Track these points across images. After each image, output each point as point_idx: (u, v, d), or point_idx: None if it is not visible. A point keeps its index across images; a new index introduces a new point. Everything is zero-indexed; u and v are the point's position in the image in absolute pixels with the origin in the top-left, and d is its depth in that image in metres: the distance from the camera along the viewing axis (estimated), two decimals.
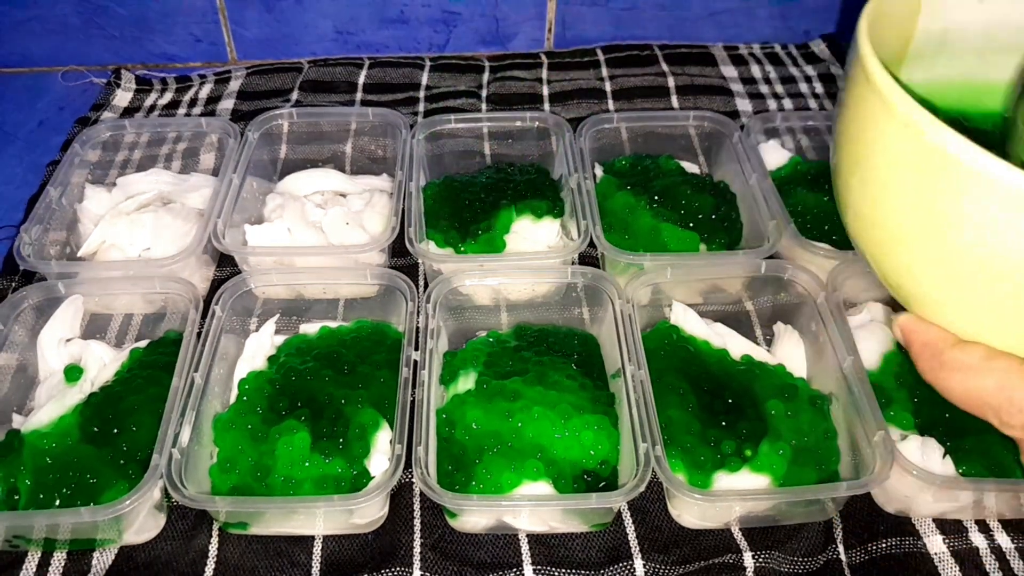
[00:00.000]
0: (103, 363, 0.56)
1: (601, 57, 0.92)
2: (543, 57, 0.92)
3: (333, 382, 0.53)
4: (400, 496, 0.52)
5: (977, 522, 0.51)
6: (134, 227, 0.63)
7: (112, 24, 0.88)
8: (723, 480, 0.48)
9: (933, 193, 0.26)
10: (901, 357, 0.54)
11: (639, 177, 0.68)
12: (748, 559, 0.48)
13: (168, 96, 0.87)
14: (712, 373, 0.54)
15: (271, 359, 0.56)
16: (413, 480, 0.52)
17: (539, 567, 0.48)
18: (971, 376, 0.28)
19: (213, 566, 0.49)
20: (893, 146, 0.27)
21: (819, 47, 0.93)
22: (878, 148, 0.28)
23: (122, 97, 0.87)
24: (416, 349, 0.53)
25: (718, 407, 0.52)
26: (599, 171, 0.70)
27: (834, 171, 0.33)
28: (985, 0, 0.36)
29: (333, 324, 0.58)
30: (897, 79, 0.28)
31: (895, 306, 0.59)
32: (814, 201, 0.65)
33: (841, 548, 0.49)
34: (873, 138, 0.28)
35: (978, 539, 0.50)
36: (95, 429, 0.50)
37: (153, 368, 0.54)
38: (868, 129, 0.29)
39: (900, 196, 0.28)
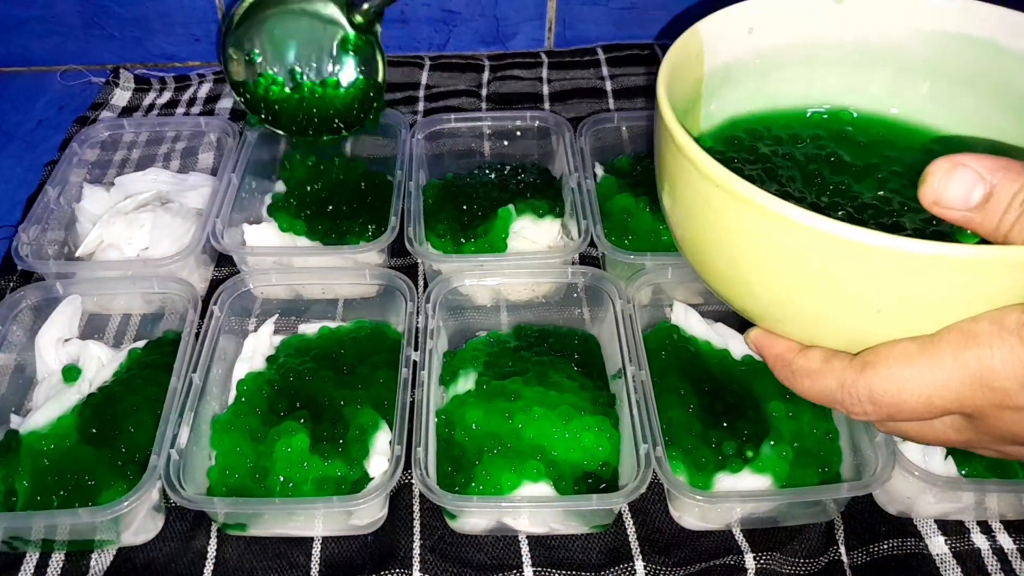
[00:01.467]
0: (101, 363, 0.55)
1: (601, 56, 0.91)
2: (543, 56, 0.92)
3: (332, 383, 0.53)
4: (399, 497, 0.51)
5: (979, 523, 0.50)
6: (132, 227, 0.63)
7: (111, 23, 0.88)
8: (724, 481, 0.48)
9: (741, 236, 0.30)
10: None
11: (640, 176, 0.68)
12: (749, 560, 0.48)
13: (167, 95, 0.87)
14: (713, 373, 0.54)
15: (270, 359, 0.56)
16: (412, 481, 0.52)
17: (539, 568, 0.48)
18: (816, 378, 0.31)
19: (212, 567, 0.48)
20: (699, 195, 0.31)
21: None
22: (689, 196, 0.33)
23: (121, 96, 0.86)
24: (416, 349, 0.53)
25: (719, 408, 0.52)
26: (599, 171, 0.69)
27: (662, 200, 0.37)
28: (753, 31, 0.41)
29: (332, 324, 0.58)
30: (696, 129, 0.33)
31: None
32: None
33: (843, 549, 0.49)
34: (685, 189, 0.33)
35: (980, 540, 0.50)
36: (93, 430, 0.50)
37: (151, 368, 0.54)
38: (679, 181, 0.33)
39: (716, 240, 0.32)
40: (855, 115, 0.42)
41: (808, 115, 0.42)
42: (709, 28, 0.40)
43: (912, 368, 0.28)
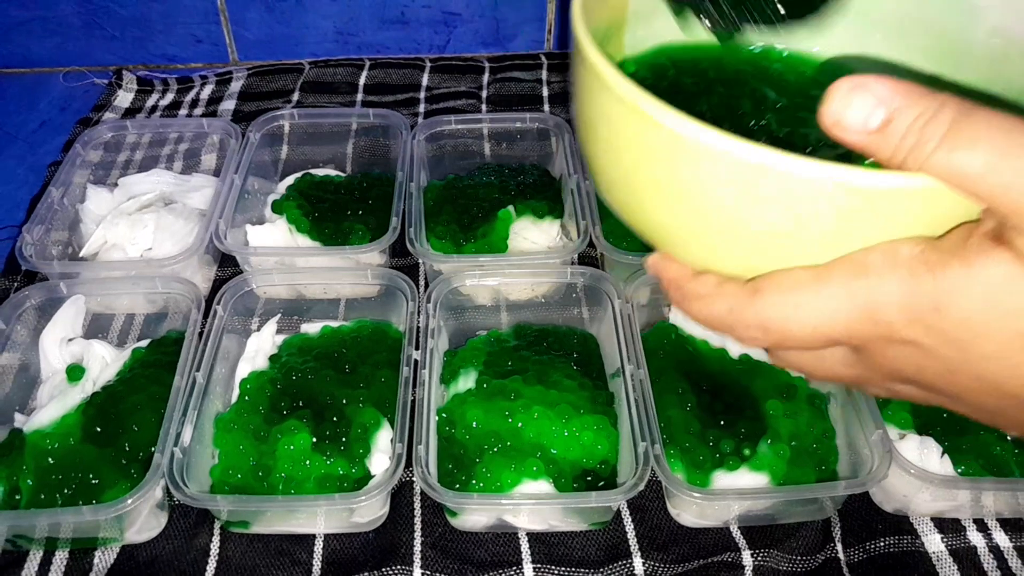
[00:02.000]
0: (105, 363, 0.56)
1: None
2: (543, 58, 0.92)
3: (334, 382, 0.53)
4: (401, 495, 0.52)
5: (975, 521, 0.51)
6: (136, 227, 0.63)
7: (113, 25, 0.88)
8: (722, 479, 0.49)
9: (637, 151, 0.29)
10: None
11: None
12: (747, 557, 0.48)
13: (169, 97, 0.88)
14: (711, 372, 0.54)
15: (272, 358, 0.56)
16: (414, 479, 0.52)
17: (539, 565, 0.48)
18: (707, 302, 0.31)
19: (215, 565, 0.49)
20: (597, 103, 0.30)
21: None
22: (589, 105, 0.31)
23: (123, 98, 0.87)
24: (417, 349, 0.53)
25: (717, 406, 0.52)
26: None
27: (579, 139, 0.36)
28: None
29: (334, 324, 0.59)
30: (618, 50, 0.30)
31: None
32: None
33: (839, 547, 0.49)
34: (586, 97, 0.31)
35: (976, 538, 0.50)
36: (97, 429, 0.50)
37: (155, 367, 0.54)
38: (583, 89, 0.32)
39: (612, 154, 0.31)
40: (785, 54, 0.40)
41: (742, 50, 0.40)
42: None
43: (802, 295, 0.27)
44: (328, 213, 0.65)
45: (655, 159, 0.28)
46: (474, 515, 0.49)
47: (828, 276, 0.27)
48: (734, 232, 0.28)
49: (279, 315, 0.60)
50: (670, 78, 0.39)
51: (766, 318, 0.28)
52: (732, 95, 0.38)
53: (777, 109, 0.37)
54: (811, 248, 0.27)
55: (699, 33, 0.40)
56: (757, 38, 0.40)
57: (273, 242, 0.64)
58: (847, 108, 0.24)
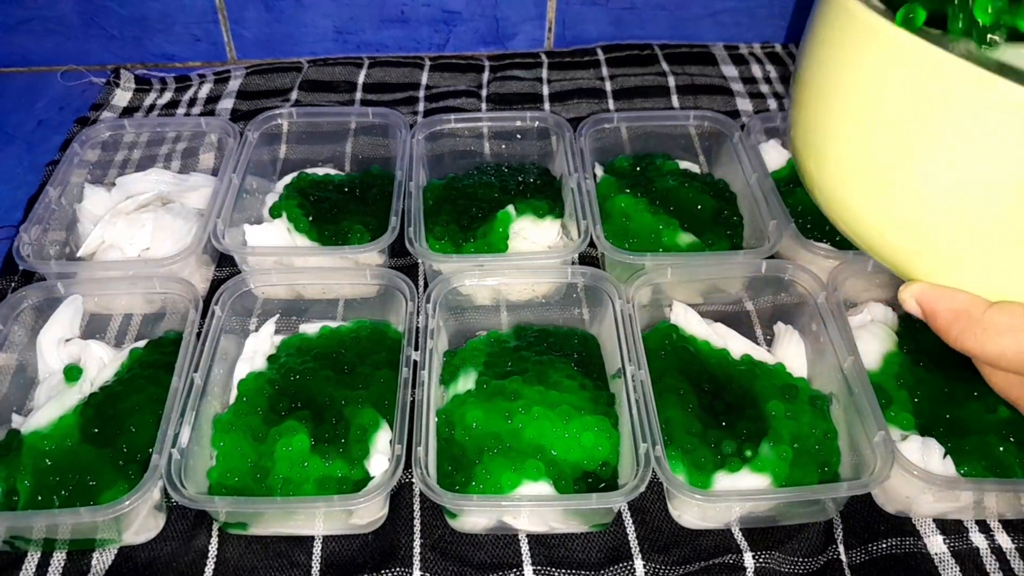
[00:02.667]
0: (103, 363, 0.56)
1: (601, 57, 0.92)
2: (543, 57, 0.92)
3: (333, 382, 0.53)
4: (400, 496, 0.52)
5: (978, 522, 0.50)
6: (134, 227, 0.63)
7: (112, 24, 0.88)
8: (723, 480, 0.48)
9: (930, 112, 0.24)
10: (902, 357, 0.54)
11: (639, 177, 0.68)
12: (748, 559, 0.48)
13: (167, 96, 0.87)
14: (712, 373, 0.54)
15: (271, 359, 0.56)
16: (413, 480, 0.52)
17: (539, 567, 0.48)
18: (1018, 337, 0.26)
19: (213, 566, 0.48)
20: (883, 74, 0.25)
21: None
22: (865, 84, 0.25)
23: (121, 97, 0.87)
24: (416, 349, 0.53)
25: (718, 407, 0.52)
26: (599, 171, 0.69)
27: (798, 129, 0.30)
28: None
29: (333, 324, 0.58)
30: None
31: (895, 306, 0.58)
32: (814, 201, 0.65)
33: (841, 548, 0.49)
34: (861, 70, 0.26)
35: (978, 539, 0.50)
36: (95, 429, 0.50)
37: (153, 368, 0.54)
38: (854, 59, 0.26)
39: (902, 132, 0.25)
40: None
41: None
42: None
43: None
44: (327, 213, 0.65)
45: (956, 124, 0.23)
46: (474, 517, 0.49)
47: None
48: None
49: (277, 315, 0.60)
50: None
51: None
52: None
53: None
54: None
55: None
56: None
57: (271, 242, 0.64)
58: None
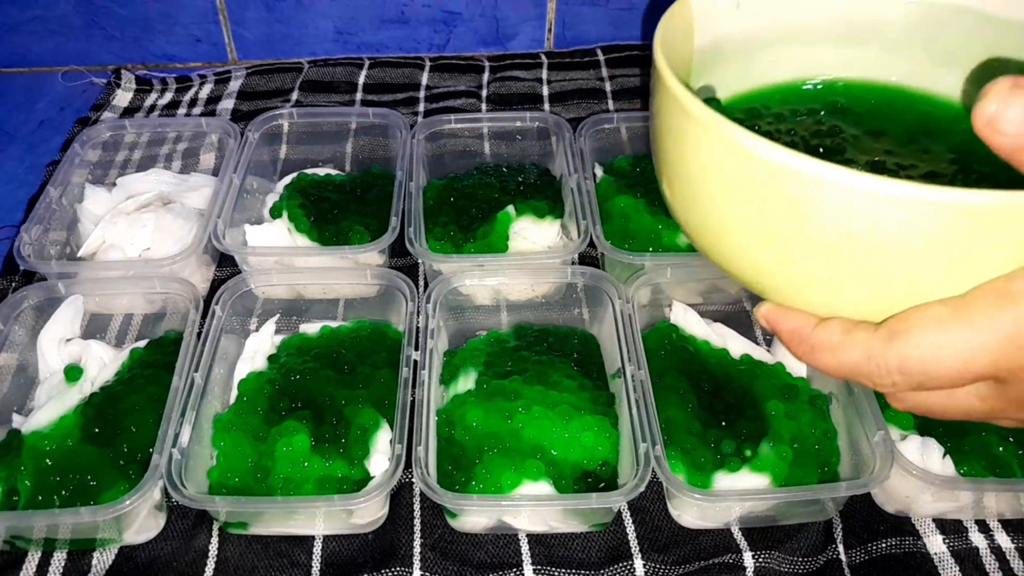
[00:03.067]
0: (103, 363, 0.56)
1: (601, 57, 0.92)
2: (543, 57, 0.92)
3: (333, 382, 0.53)
4: (400, 496, 0.52)
5: (977, 522, 0.51)
6: (134, 227, 0.63)
7: (112, 24, 0.88)
8: (723, 480, 0.48)
9: (750, 193, 0.28)
10: None
11: (639, 177, 0.68)
12: (748, 559, 0.48)
13: (168, 96, 0.87)
14: (712, 373, 0.54)
15: (271, 359, 0.56)
16: (413, 480, 0.52)
17: (539, 567, 0.48)
18: (839, 352, 0.29)
19: (213, 566, 0.49)
20: (703, 155, 0.29)
21: None
22: (690, 159, 0.30)
23: (122, 97, 0.87)
24: (416, 349, 0.53)
25: (718, 407, 0.52)
26: (599, 171, 0.70)
27: (661, 184, 0.35)
28: (740, 5, 0.39)
29: (333, 324, 0.58)
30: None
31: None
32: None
33: (841, 548, 0.49)
34: (685, 151, 0.30)
35: (978, 539, 0.50)
36: (95, 429, 0.50)
37: (153, 368, 0.54)
38: (682, 144, 0.30)
39: (723, 202, 0.29)
40: (845, 86, 0.41)
41: (802, 88, 0.40)
42: (697, 1, 0.38)
43: (944, 333, 0.26)
44: (327, 213, 0.65)
45: (764, 200, 0.27)
46: (474, 516, 0.49)
47: (970, 309, 0.26)
48: (860, 271, 0.27)
49: (278, 315, 0.60)
50: (744, 123, 0.39)
51: (908, 360, 0.27)
52: (811, 133, 0.37)
53: (856, 140, 0.36)
54: (947, 279, 0.26)
55: (759, 77, 0.40)
56: (817, 74, 0.41)
57: (272, 242, 0.64)
58: (1007, 108, 0.23)
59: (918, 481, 0.46)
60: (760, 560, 0.48)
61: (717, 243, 0.32)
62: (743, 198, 0.28)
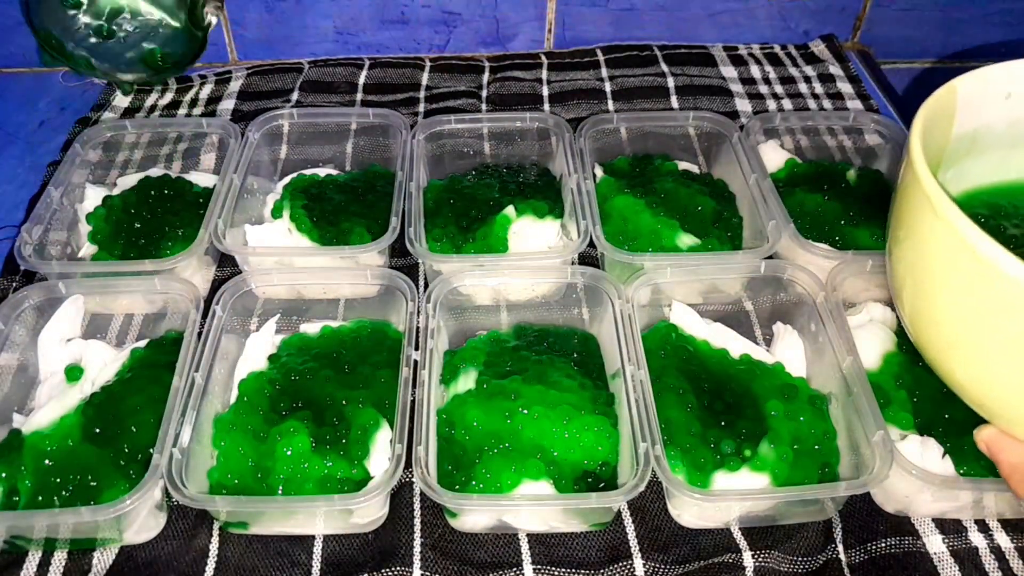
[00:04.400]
0: (104, 363, 0.56)
1: (601, 57, 0.92)
2: (543, 57, 0.92)
3: (334, 382, 0.53)
4: (400, 496, 0.52)
5: (976, 522, 0.51)
6: None
7: None
8: (722, 480, 0.48)
9: (994, 306, 0.27)
10: (901, 357, 0.54)
11: (639, 177, 0.68)
12: (748, 559, 0.48)
13: (168, 96, 0.87)
14: (712, 373, 0.54)
15: (272, 358, 0.56)
16: (413, 480, 0.52)
17: (539, 566, 0.48)
18: None
19: (213, 566, 0.49)
20: (945, 258, 0.28)
21: (818, 47, 0.93)
22: (940, 268, 0.29)
23: (122, 97, 0.87)
24: (416, 349, 0.53)
25: (718, 407, 0.52)
26: (599, 171, 0.70)
27: (895, 291, 0.34)
28: (1011, 96, 0.37)
29: (334, 324, 0.59)
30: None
31: (894, 306, 0.59)
32: (813, 202, 0.65)
33: (840, 548, 0.49)
34: (927, 249, 0.29)
35: (977, 539, 0.50)
36: (96, 429, 0.50)
37: (154, 368, 0.54)
38: (925, 242, 0.29)
39: (969, 315, 0.28)
40: None
41: None
42: (966, 87, 0.35)
43: None
44: (328, 213, 0.65)
45: (1011, 315, 0.26)
46: (474, 516, 0.49)
47: None
48: None
49: (278, 315, 0.60)
50: (991, 228, 0.36)
51: None
52: None
53: None
54: None
55: (1016, 172, 0.38)
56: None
57: (272, 242, 0.64)
58: None
59: (917, 481, 0.46)
60: (760, 560, 0.48)
61: (957, 358, 0.31)
62: (987, 309, 0.27)
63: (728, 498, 0.48)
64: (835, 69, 0.90)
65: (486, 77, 0.89)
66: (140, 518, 0.48)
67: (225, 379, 0.55)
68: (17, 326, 0.57)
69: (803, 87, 0.88)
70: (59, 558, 0.49)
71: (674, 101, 0.85)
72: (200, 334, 0.54)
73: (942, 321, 0.30)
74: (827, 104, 0.85)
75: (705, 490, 0.48)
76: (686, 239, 0.62)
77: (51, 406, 0.52)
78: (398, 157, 0.68)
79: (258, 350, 0.56)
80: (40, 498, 0.47)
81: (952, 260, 0.28)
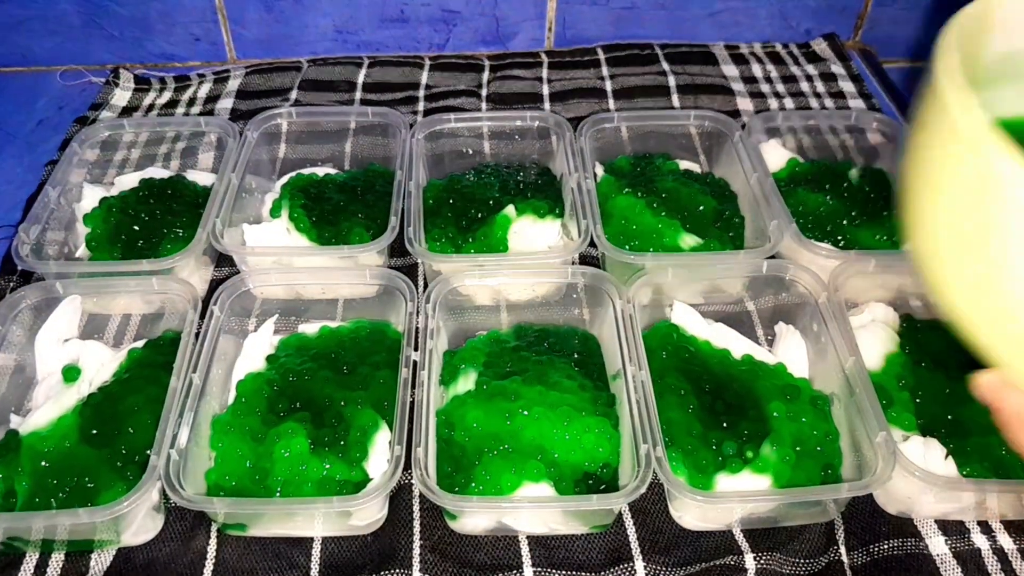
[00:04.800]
0: (101, 363, 0.55)
1: (601, 56, 0.91)
2: (543, 56, 0.92)
3: (332, 383, 0.53)
4: (399, 497, 0.51)
5: (979, 523, 0.50)
6: None
7: (111, 24, 0.88)
8: (724, 481, 0.48)
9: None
10: (904, 358, 0.54)
11: (640, 177, 0.68)
12: (750, 560, 0.48)
13: (167, 95, 0.87)
14: (713, 373, 0.54)
15: (270, 359, 0.56)
16: (412, 481, 0.52)
17: (539, 568, 0.48)
18: None
19: (211, 567, 0.48)
20: (965, 174, 0.26)
21: (820, 46, 0.93)
22: (951, 175, 0.27)
23: (121, 96, 0.86)
24: (416, 349, 0.53)
25: (719, 408, 0.51)
26: (600, 170, 0.69)
27: (906, 206, 0.31)
28: None
29: (332, 324, 0.58)
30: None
31: (897, 306, 0.58)
32: (815, 201, 0.65)
33: (843, 549, 0.49)
34: (946, 166, 0.27)
35: (980, 540, 0.49)
36: (93, 430, 0.50)
37: (151, 368, 0.54)
38: (944, 159, 0.27)
39: (984, 221, 0.26)
40: None
41: None
42: (1006, 4, 0.32)
43: None
44: (326, 212, 0.65)
45: None
46: (474, 518, 0.49)
47: None
48: None
49: (276, 315, 0.60)
50: None
51: None
52: None
53: None
54: None
55: None
56: None
57: (270, 242, 0.64)
58: None
59: (920, 482, 0.46)
60: (762, 562, 0.48)
61: (960, 282, 0.28)
62: (1006, 217, 0.25)
63: (730, 500, 0.48)
64: (837, 68, 0.90)
65: (486, 76, 0.89)
66: (138, 520, 0.48)
67: (223, 380, 0.54)
68: (14, 326, 0.56)
69: (805, 86, 0.87)
70: (56, 560, 0.49)
71: (675, 100, 0.85)
72: (198, 334, 0.54)
73: (950, 229, 0.27)
74: (829, 103, 0.85)
75: (707, 492, 0.48)
76: (687, 239, 0.62)
77: (48, 407, 0.51)
78: (397, 156, 0.68)
79: (256, 351, 0.56)
80: (37, 499, 0.47)
81: (965, 164, 0.26)
